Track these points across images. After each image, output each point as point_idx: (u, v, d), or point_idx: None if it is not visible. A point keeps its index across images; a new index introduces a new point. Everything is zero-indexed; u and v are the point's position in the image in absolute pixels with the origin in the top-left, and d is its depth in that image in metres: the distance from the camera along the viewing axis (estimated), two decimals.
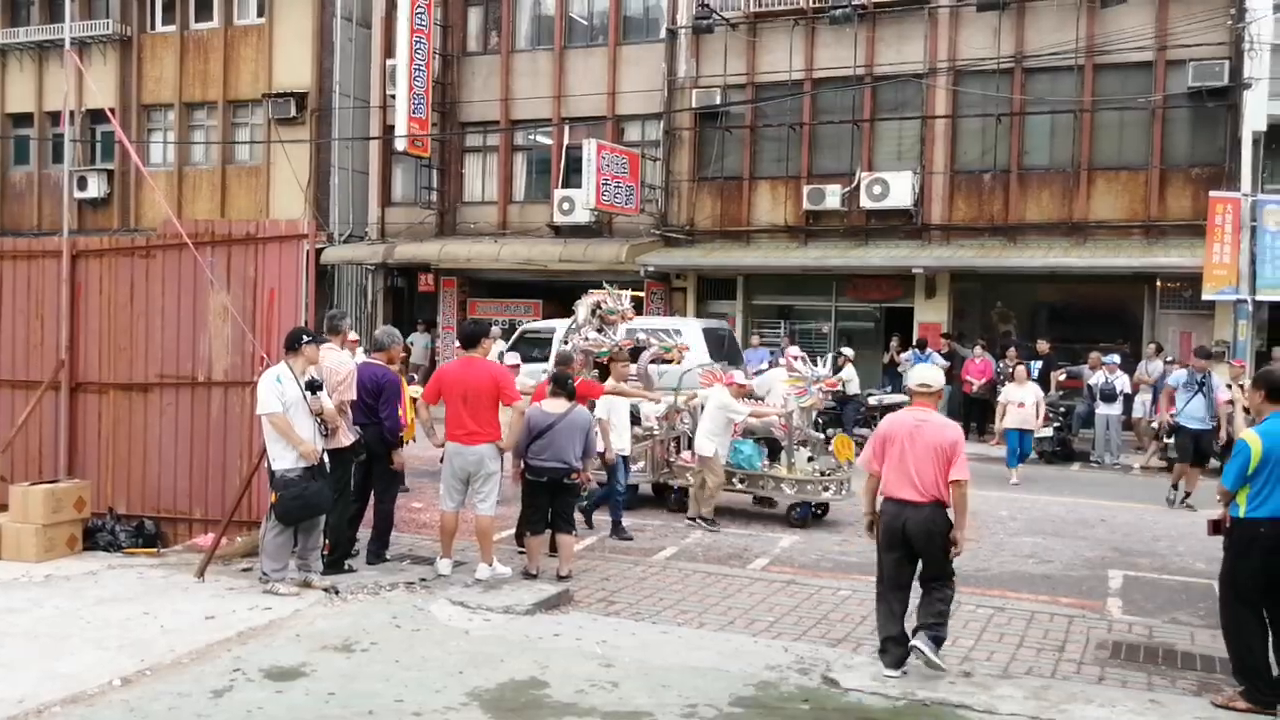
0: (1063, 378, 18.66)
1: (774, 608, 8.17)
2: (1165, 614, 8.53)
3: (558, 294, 25.84)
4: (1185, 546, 11.08)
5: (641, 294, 23.92)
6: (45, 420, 9.85)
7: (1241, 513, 6.29)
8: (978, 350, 19.29)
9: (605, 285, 13.07)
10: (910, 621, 6.57)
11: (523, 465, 8.75)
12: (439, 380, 8.72)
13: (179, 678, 6.17)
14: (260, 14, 27.31)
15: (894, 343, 20.74)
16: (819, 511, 12.01)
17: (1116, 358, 17.63)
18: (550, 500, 8.76)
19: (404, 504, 11.90)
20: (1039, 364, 18.19)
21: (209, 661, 6.44)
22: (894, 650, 6.47)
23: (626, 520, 11.06)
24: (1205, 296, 18.32)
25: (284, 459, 7.72)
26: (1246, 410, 12.04)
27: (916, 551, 6.53)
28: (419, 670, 6.38)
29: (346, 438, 8.33)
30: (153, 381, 9.46)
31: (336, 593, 7.88)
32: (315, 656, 6.56)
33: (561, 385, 8.94)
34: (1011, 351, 18.45)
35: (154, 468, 9.48)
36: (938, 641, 6.43)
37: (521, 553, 9.17)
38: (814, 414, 12.95)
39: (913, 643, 6.41)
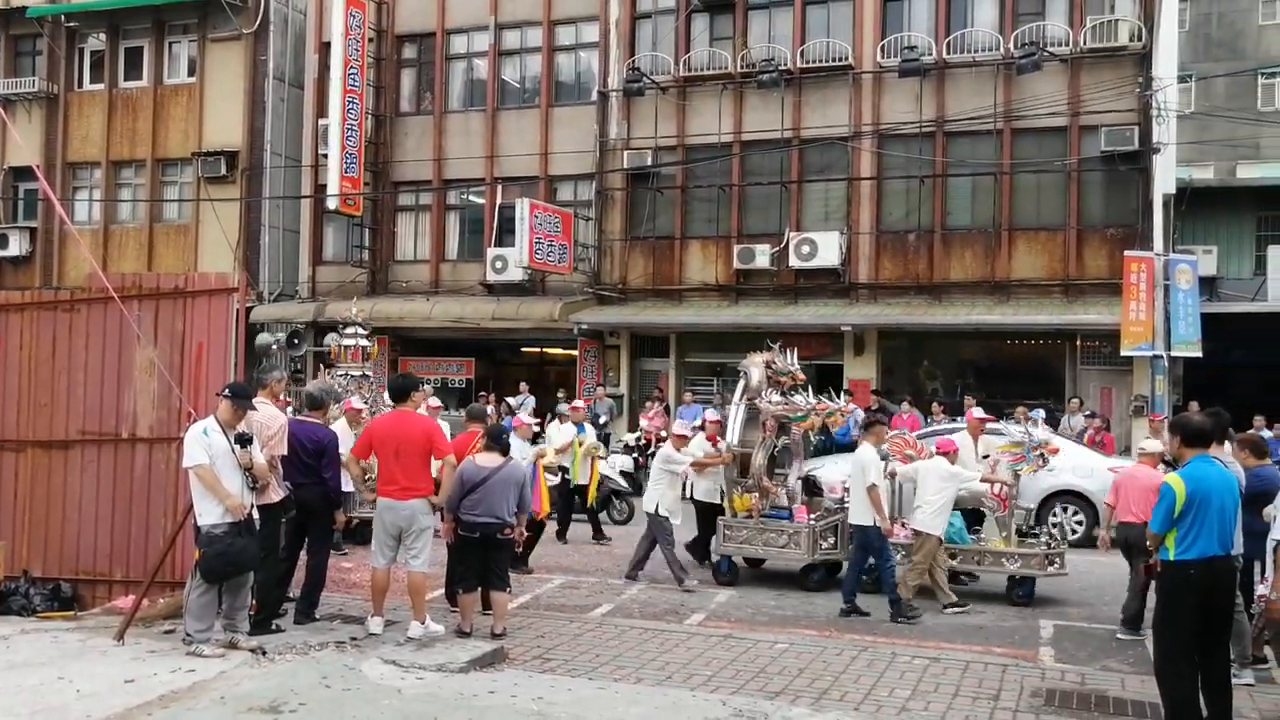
0: None
1: (711, 662, 8.12)
2: (1096, 661, 8.64)
3: (490, 352, 25.83)
4: (1113, 595, 11.21)
5: (575, 352, 24.03)
6: None
7: (1171, 555, 6.39)
8: (904, 406, 19.53)
9: (768, 344, 12.21)
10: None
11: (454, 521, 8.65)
12: (370, 435, 8.63)
13: None
14: (191, 73, 27.17)
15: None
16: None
17: (1041, 412, 17.96)
18: (483, 556, 8.63)
19: (334, 563, 11.68)
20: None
21: None
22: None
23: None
24: (1123, 353, 18.83)
25: (210, 514, 7.54)
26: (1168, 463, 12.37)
27: (1132, 553, 9.31)
28: None
29: (276, 494, 8.18)
30: (74, 439, 9.22)
31: (264, 653, 7.67)
32: (241, 719, 6.38)
33: (495, 440, 8.87)
34: (937, 406, 18.72)
35: (73, 528, 9.20)
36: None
37: (454, 611, 9.03)
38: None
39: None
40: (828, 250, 21.27)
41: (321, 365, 16.31)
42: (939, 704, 7.22)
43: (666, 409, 21.16)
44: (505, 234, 23.50)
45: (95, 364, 9.19)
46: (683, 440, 11.74)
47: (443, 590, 9.65)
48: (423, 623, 8.30)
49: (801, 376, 12.02)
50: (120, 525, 9.03)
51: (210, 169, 26.03)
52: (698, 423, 17.63)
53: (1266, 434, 11.82)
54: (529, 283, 23.40)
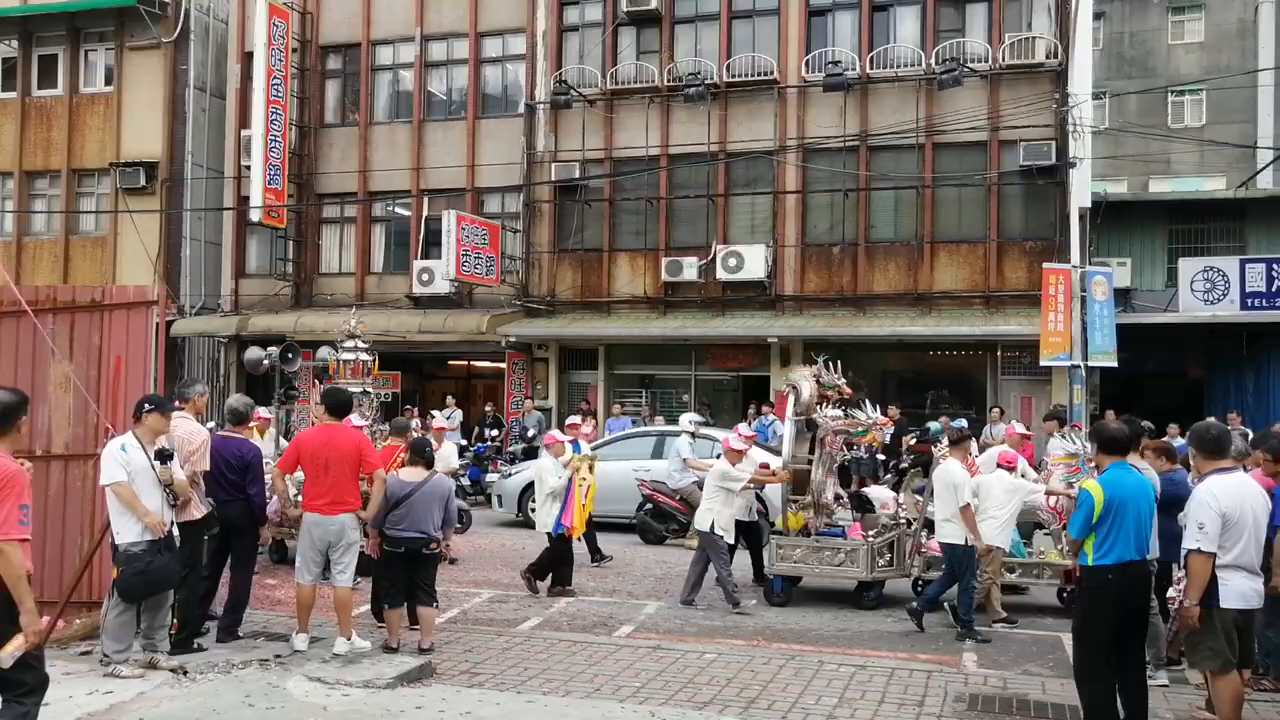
0: (913, 441, 19.24)
1: (640, 673, 8.12)
2: (1018, 666, 8.81)
3: (417, 365, 25.62)
4: (1029, 599, 11.48)
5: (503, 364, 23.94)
6: None
7: (1089, 561, 6.52)
8: None
9: (816, 357, 11.83)
10: None
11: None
12: (298, 449, 8.50)
13: None
14: (108, 82, 26.63)
15: (751, 410, 21.11)
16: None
17: (964, 422, 18.27)
18: (409, 571, 8.56)
19: (258, 579, 11.49)
20: (890, 429, 18.72)
21: None
22: None
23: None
24: (1042, 363, 19.22)
25: (129, 532, 7.36)
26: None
27: None
28: None
29: (198, 510, 8.02)
30: None
31: (185, 673, 7.52)
32: None
33: (419, 453, 8.82)
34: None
35: None
36: None
37: (381, 627, 8.93)
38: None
39: None
40: (754, 263, 21.48)
41: (316, 380, 15.40)
42: (865, 711, 7.30)
43: (595, 423, 21.15)
44: (432, 246, 23.40)
45: (7, 379, 8.86)
46: (738, 455, 11.24)
47: (369, 606, 9.54)
48: (349, 639, 8.20)
49: (849, 390, 11.73)
50: (34, 544, 8.62)
51: (129, 180, 25.51)
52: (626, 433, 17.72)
53: (1179, 442, 12.14)
54: (456, 295, 23.27)
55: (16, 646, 5.01)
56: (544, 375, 23.56)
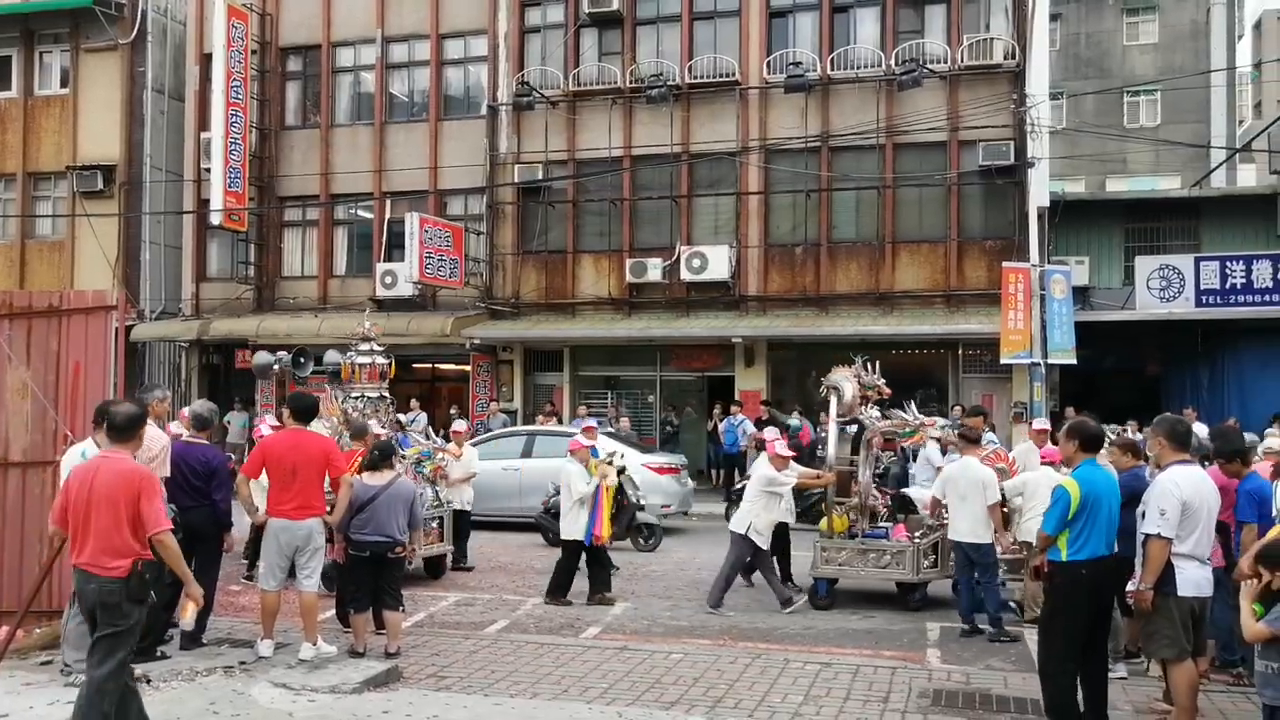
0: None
1: (607, 674, 8.14)
2: (980, 661, 8.90)
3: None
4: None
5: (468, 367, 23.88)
6: None
7: (1063, 556, 6.61)
8: (795, 416, 19.86)
9: (854, 357, 11.73)
10: None
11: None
12: (264, 454, 8.44)
13: None
14: (64, 84, 26.30)
15: (716, 410, 21.21)
16: None
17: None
18: (374, 575, 8.54)
19: (222, 586, 11.40)
20: (853, 427, 18.79)
21: None
22: None
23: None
24: (1003, 360, 19.42)
25: None
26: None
27: None
28: None
29: None
30: None
31: (148, 681, 7.45)
32: None
33: (383, 456, 8.80)
34: (823, 416, 19.02)
35: None
36: None
37: (347, 632, 8.89)
38: None
39: None
40: (718, 263, 21.54)
41: (327, 385, 14.73)
42: (831, 708, 7.36)
43: (559, 423, 21.13)
44: (395, 249, 23.31)
45: None
46: (784, 461, 11.15)
47: (334, 611, 9.49)
48: (314, 644, 8.17)
49: (887, 391, 11.69)
50: None
51: (86, 183, 25.21)
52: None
53: (1137, 437, 12.32)
54: (420, 298, 23.19)
55: (191, 614, 6.55)
56: (509, 377, 23.52)
